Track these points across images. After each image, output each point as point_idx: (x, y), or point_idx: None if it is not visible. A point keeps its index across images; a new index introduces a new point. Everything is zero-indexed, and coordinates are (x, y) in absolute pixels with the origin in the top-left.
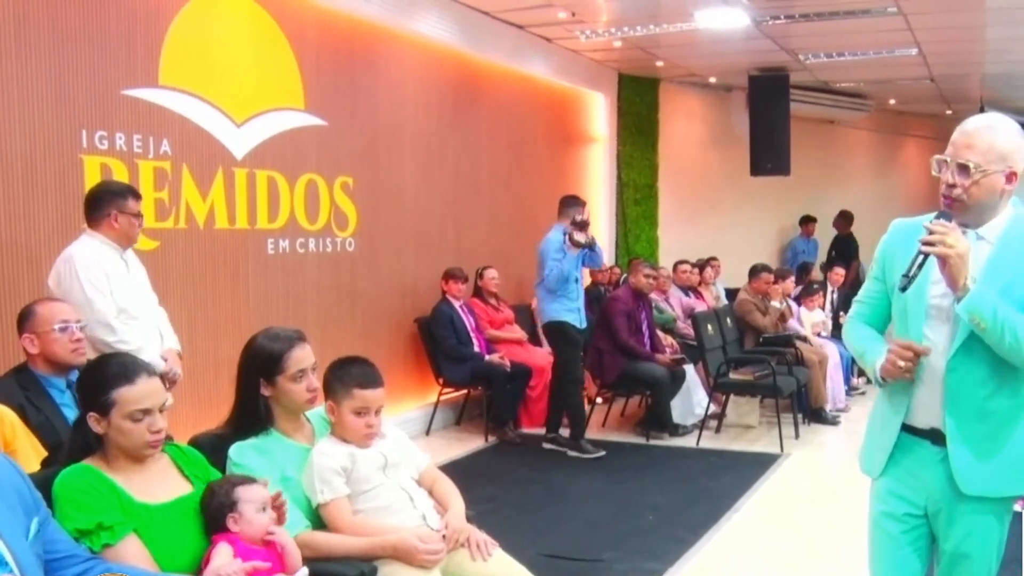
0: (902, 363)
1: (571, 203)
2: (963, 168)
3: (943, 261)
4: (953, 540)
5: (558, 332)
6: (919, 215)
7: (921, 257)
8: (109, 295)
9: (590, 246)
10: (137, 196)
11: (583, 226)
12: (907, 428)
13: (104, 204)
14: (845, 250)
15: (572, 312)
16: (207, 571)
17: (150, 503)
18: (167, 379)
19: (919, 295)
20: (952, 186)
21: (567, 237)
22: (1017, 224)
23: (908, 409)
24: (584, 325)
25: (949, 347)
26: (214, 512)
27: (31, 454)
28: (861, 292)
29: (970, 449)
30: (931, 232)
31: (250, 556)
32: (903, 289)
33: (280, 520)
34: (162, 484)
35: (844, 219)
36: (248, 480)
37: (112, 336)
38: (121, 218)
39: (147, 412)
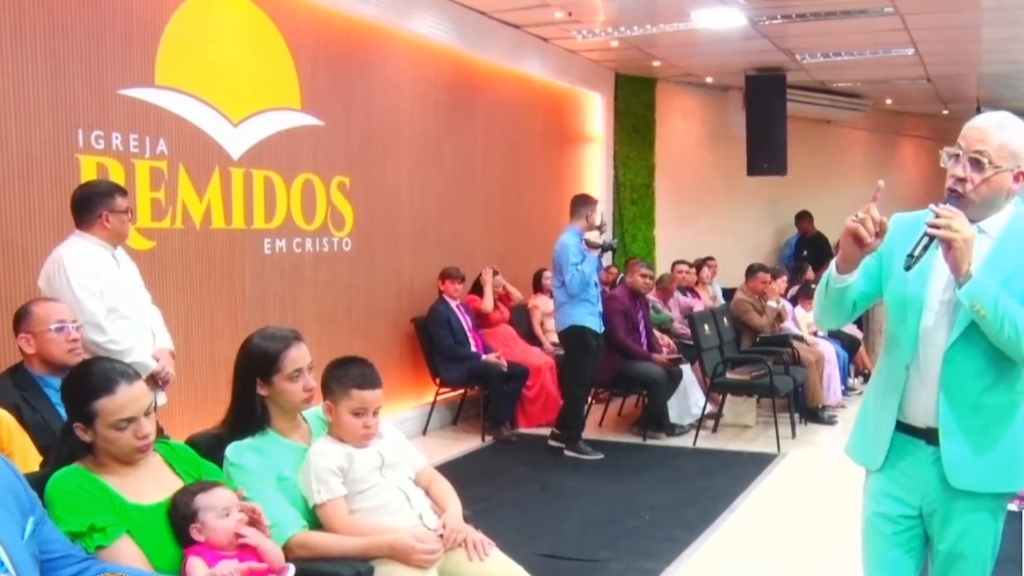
0: (852, 223)
1: (583, 203)
2: (976, 162)
3: (948, 245)
4: (948, 540)
5: (578, 337)
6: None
7: (926, 239)
8: (99, 295)
9: (611, 248)
10: (124, 193)
11: (600, 229)
12: (903, 427)
13: (94, 205)
14: (817, 251)
15: (593, 316)
16: None
17: (143, 504)
18: (159, 379)
19: (920, 286)
20: (962, 180)
21: (584, 242)
22: (1018, 221)
23: (902, 406)
24: (602, 330)
25: (947, 340)
26: (179, 524)
27: (29, 456)
28: None
29: (963, 443)
30: (938, 216)
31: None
32: (908, 268)
33: (255, 523)
34: (154, 484)
35: (807, 219)
36: (208, 486)
37: (102, 336)
38: (112, 217)
39: (131, 420)
